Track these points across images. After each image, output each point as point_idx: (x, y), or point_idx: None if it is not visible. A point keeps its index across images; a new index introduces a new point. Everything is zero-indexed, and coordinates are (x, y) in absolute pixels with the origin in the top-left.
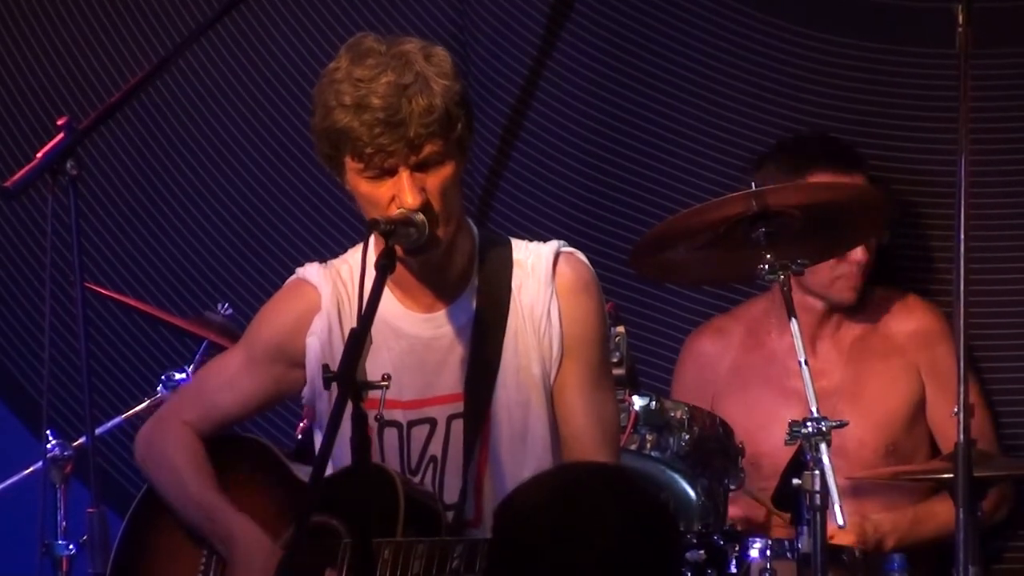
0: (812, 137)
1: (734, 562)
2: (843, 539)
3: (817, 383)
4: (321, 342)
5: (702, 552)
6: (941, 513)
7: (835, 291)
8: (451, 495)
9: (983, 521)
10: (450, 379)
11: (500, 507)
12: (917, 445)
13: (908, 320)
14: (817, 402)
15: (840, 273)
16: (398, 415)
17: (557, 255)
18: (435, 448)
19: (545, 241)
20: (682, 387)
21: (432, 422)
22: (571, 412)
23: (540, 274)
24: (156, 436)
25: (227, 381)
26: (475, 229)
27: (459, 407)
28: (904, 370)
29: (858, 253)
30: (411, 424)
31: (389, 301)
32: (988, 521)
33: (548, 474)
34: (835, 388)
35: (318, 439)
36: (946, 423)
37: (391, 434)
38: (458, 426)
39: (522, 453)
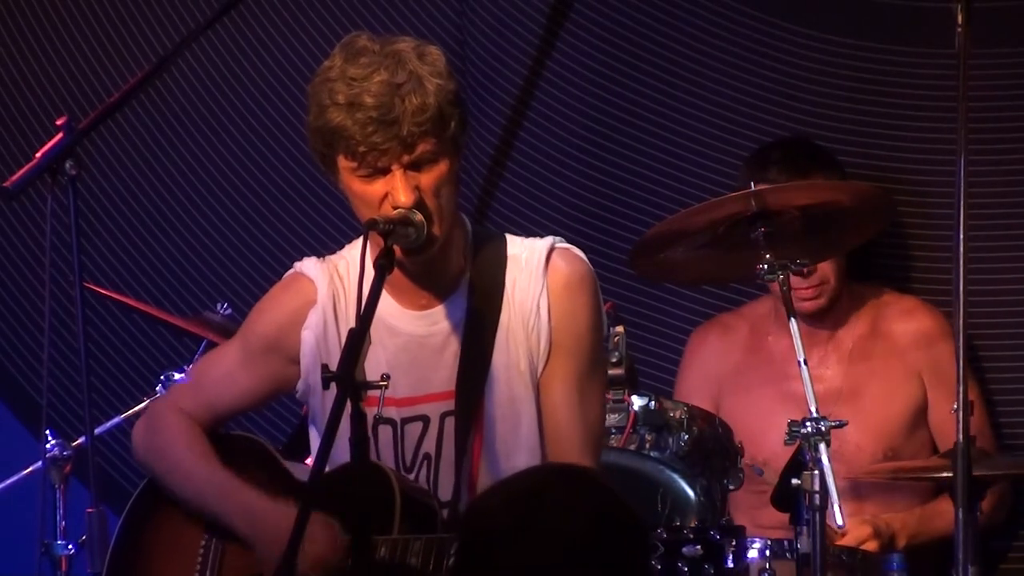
0: (773, 144)
1: (731, 557)
2: (854, 541)
3: (815, 386)
4: (316, 336)
5: (699, 547)
6: (947, 512)
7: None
8: (445, 492)
9: (981, 522)
10: (443, 376)
11: (466, 508)
12: (917, 451)
13: (909, 323)
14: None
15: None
16: (392, 412)
17: (551, 250)
18: (429, 445)
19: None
20: (685, 383)
21: (425, 419)
22: (555, 408)
23: (533, 268)
24: (155, 428)
25: (224, 375)
26: (469, 225)
27: (452, 404)
28: (905, 375)
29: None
30: (405, 421)
31: (384, 298)
32: (986, 523)
33: (515, 476)
34: (834, 392)
35: (312, 435)
36: (947, 426)
37: (385, 431)
38: (451, 423)
39: (515, 449)
